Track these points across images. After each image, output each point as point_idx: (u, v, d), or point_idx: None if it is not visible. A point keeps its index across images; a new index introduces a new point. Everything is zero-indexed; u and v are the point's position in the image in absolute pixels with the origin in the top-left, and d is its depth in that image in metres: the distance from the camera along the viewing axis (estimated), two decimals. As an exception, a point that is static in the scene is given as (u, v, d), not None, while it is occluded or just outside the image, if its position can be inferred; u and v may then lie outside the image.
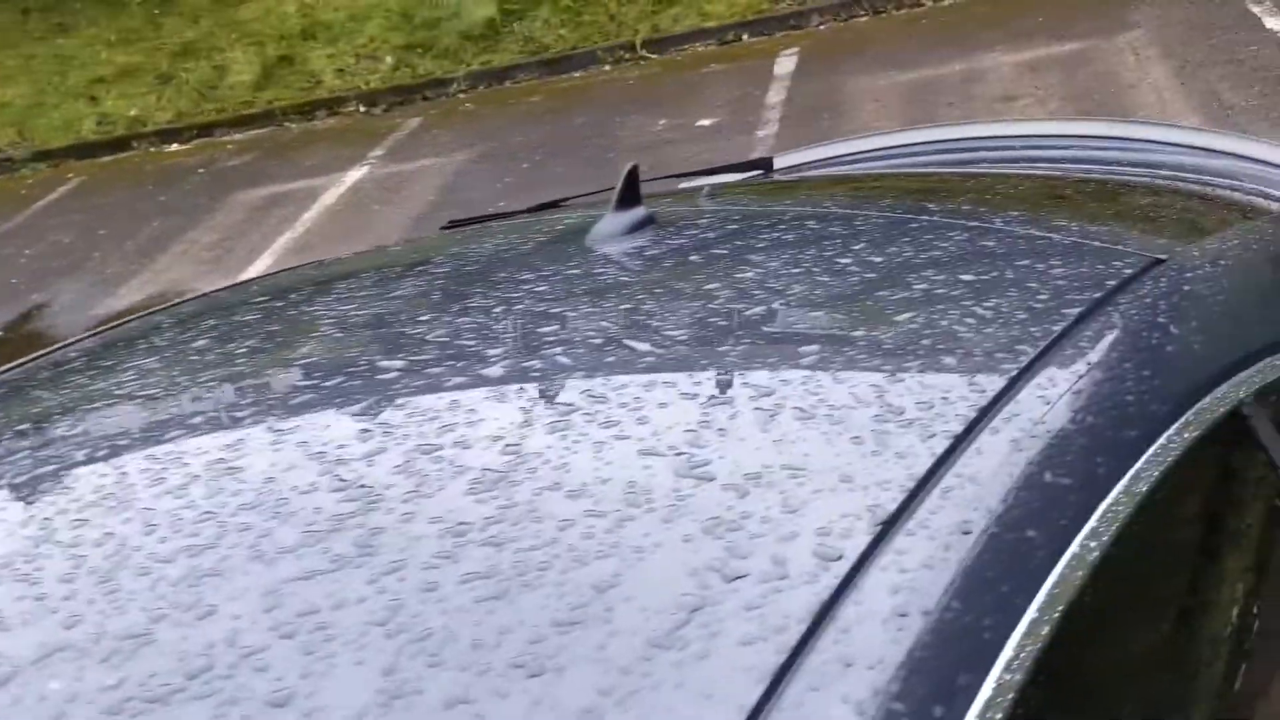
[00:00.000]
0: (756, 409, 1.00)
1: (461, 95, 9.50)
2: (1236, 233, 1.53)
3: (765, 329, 1.18)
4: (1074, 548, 0.86)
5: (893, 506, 0.86)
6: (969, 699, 0.74)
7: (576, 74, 9.31)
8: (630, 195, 1.50)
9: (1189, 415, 1.03)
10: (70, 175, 9.83)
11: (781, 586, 0.79)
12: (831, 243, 1.42)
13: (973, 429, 0.94)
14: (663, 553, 0.84)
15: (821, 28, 8.90)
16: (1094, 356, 1.05)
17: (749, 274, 1.31)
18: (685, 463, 0.93)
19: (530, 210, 1.99)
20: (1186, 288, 1.20)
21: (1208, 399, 1.06)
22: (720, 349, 1.14)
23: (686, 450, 0.95)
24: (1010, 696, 0.75)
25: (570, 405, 1.04)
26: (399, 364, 1.18)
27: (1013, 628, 0.79)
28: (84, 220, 8.60)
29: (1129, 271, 1.20)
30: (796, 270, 1.30)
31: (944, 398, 0.99)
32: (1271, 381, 1.16)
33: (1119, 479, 0.93)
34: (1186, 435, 1.01)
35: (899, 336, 1.12)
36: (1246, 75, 6.31)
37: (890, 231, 1.45)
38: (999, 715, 0.75)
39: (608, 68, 9.24)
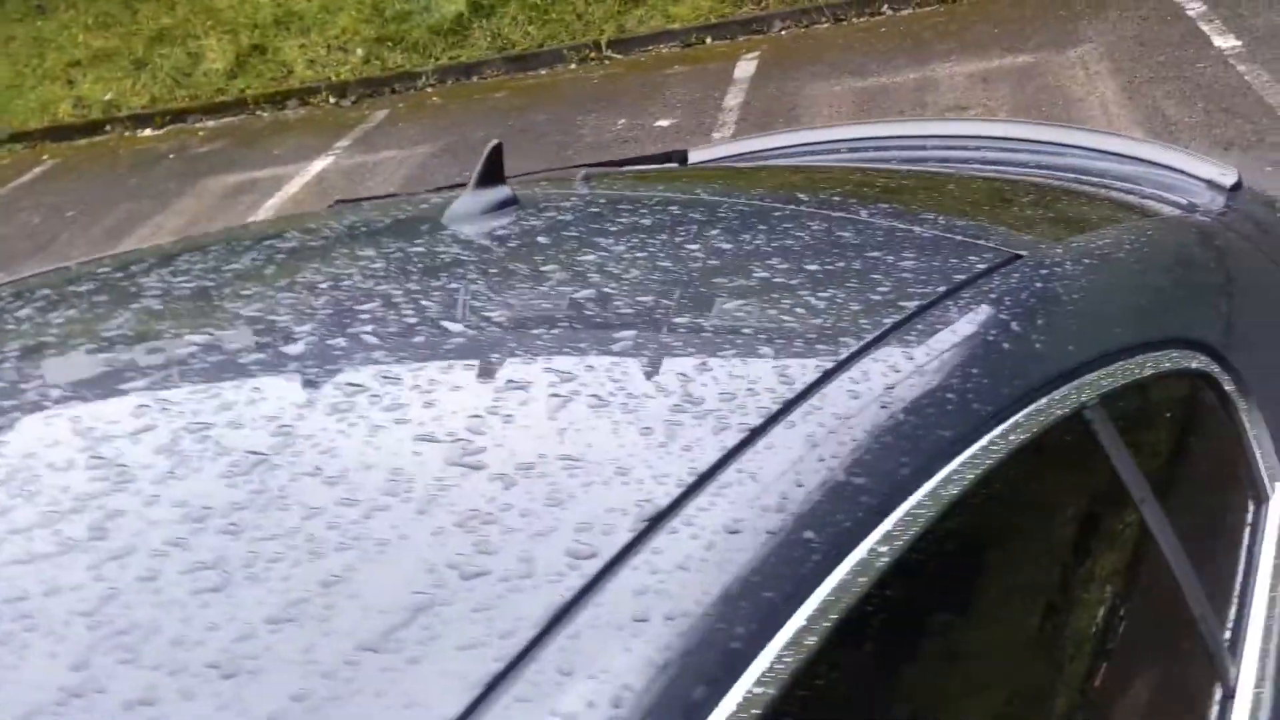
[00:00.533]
0: (552, 395, 0.94)
1: (429, 89, 9.56)
2: (1111, 233, 1.47)
3: (587, 313, 1.12)
4: (860, 552, 0.81)
5: (664, 502, 0.80)
6: (703, 714, 0.69)
7: (542, 71, 9.36)
8: (491, 175, 1.45)
9: (1019, 417, 0.98)
10: (46, 157, 9.92)
11: (522, 586, 0.73)
12: (685, 229, 1.38)
13: (772, 423, 0.88)
14: (406, 546, 0.78)
15: (783, 33, 8.93)
16: (920, 352, 0.99)
17: (591, 257, 1.25)
18: (459, 450, 0.87)
19: (434, 190, 1.91)
20: (1039, 285, 1.14)
21: (1044, 400, 1.01)
22: (535, 333, 1.08)
23: (464, 437, 0.89)
24: (756, 712, 0.70)
25: (359, 386, 0.97)
26: (200, 339, 1.10)
27: (770, 637, 0.74)
28: (56, 202, 8.69)
29: (981, 266, 1.14)
30: (641, 255, 1.25)
31: (750, 389, 0.93)
32: (1122, 385, 1.12)
33: (924, 481, 0.88)
34: (1014, 437, 0.96)
35: (722, 325, 1.07)
36: (1191, 93, 6.38)
37: (749, 219, 1.41)
38: None
39: (573, 66, 9.29)
